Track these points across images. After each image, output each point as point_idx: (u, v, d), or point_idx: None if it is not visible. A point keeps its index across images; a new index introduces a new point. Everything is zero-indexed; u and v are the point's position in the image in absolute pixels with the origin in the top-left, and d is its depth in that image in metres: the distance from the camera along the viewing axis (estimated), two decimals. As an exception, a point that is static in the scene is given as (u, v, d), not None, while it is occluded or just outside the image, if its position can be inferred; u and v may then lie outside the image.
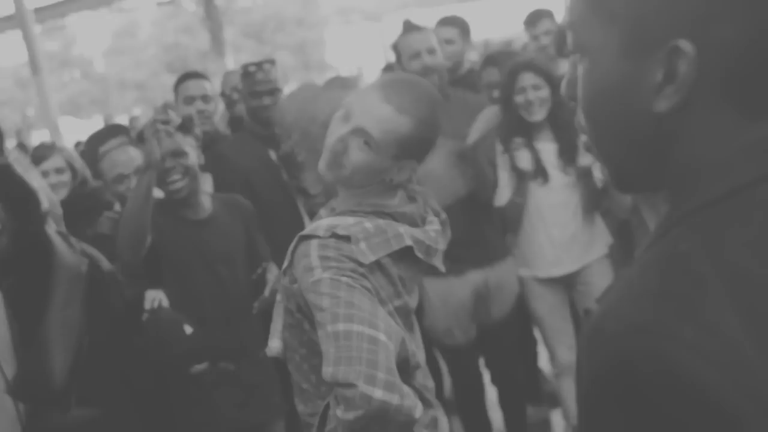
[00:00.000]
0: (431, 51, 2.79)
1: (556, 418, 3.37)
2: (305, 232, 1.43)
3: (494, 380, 3.04)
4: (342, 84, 2.78)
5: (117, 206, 2.67)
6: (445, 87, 2.77)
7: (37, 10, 12.51)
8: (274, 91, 2.96)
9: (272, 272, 2.45)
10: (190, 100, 3.15)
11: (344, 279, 1.33)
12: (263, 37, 23.35)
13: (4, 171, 1.73)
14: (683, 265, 0.58)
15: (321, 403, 1.45)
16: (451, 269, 1.73)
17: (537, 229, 2.82)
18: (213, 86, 3.29)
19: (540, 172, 2.78)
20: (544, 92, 2.74)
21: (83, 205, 2.77)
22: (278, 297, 1.56)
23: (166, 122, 2.21)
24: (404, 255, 1.43)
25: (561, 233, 2.81)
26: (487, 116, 2.68)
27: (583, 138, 0.74)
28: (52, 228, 1.90)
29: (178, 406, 2.35)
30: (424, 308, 2.78)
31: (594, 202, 2.82)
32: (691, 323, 0.54)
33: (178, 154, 2.32)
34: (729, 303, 0.55)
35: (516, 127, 2.78)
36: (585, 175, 2.75)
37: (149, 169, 2.17)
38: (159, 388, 2.30)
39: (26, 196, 1.77)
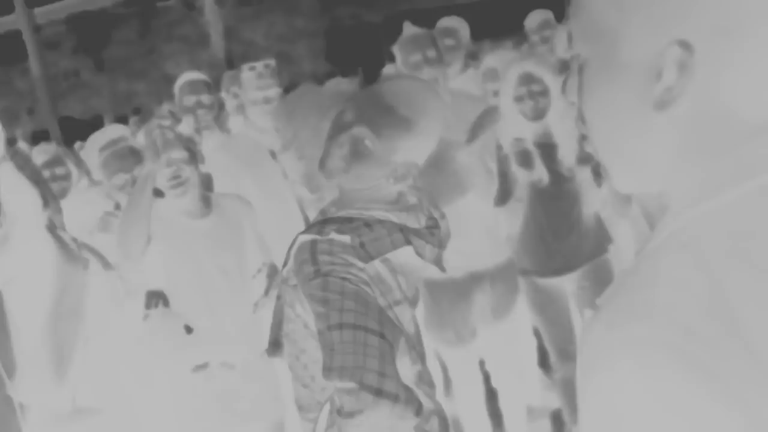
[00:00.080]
0: (431, 53, 2.80)
1: (557, 419, 3.37)
2: (305, 232, 1.43)
3: (494, 382, 3.04)
4: (342, 84, 2.78)
5: (118, 206, 2.68)
6: (445, 88, 2.78)
7: (38, 10, 12.53)
8: (275, 92, 2.96)
9: (273, 272, 2.45)
10: (190, 100, 3.16)
11: (344, 278, 1.33)
12: (263, 38, 23.32)
13: (7, 170, 1.73)
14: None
15: (321, 403, 1.45)
16: (453, 270, 1.73)
17: (537, 230, 2.82)
18: (213, 86, 3.29)
19: (540, 173, 2.77)
20: (544, 93, 2.74)
21: (84, 205, 2.78)
22: (278, 297, 1.56)
23: (166, 123, 2.22)
24: (404, 255, 1.43)
25: (561, 233, 2.80)
26: (487, 116, 2.68)
27: (583, 137, 0.74)
28: (53, 227, 1.90)
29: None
30: (424, 310, 2.78)
31: (594, 201, 2.82)
32: None
33: (179, 154, 2.33)
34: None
35: (516, 127, 2.78)
36: (585, 174, 2.75)
37: (150, 170, 2.17)
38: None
39: (28, 194, 1.77)
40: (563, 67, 3.50)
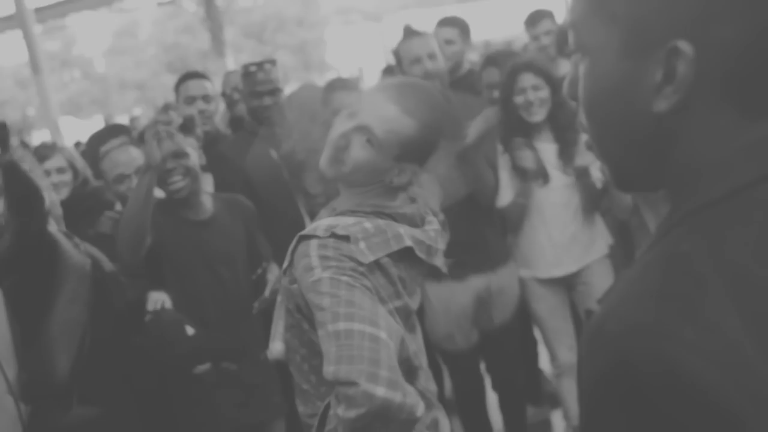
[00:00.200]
0: (432, 56, 2.80)
1: (557, 419, 3.37)
2: (305, 232, 1.43)
3: (495, 385, 3.04)
4: (343, 85, 2.78)
5: (118, 206, 2.68)
6: (445, 90, 2.78)
7: (38, 10, 12.53)
8: (275, 91, 2.96)
9: (273, 272, 2.45)
10: (191, 100, 3.16)
11: (344, 278, 1.33)
12: (263, 38, 23.37)
13: (10, 168, 1.73)
14: (684, 266, 0.58)
15: (321, 403, 1.45)
16: (453, 274, 1.72)
17: (537, 230, 2.82)
18: (214, 86, 3.29)
19: (540, 173, 2.78)
20: (544, 93, 2.74)
21: (84, 205, 2.78)
22: (279, 297, 1.56)
23: (167, 123, 2.22)
24: (404, 255, 1.43)
25: (561, 233, 2.81)
26: (487, 117, 2.69)
27: (583, 137, 0.74)
28: (54, 227, 1.90)
29: (179, 405, 2.35)
30: (425, 313, 2.78)
31: (594, 202, 2.82)
32: (691, 323, 0.54)
33: (179, 154, 2.33)
34: (729, 303, 0.55)
35: (516, 127, 2.78)
36: (585, 175, 2.75)
37: (150, 170, 2.17)
38: (160, 388, 2.31)
39: (31, 193, 1.77)
40: (563, 66, 3.51)
